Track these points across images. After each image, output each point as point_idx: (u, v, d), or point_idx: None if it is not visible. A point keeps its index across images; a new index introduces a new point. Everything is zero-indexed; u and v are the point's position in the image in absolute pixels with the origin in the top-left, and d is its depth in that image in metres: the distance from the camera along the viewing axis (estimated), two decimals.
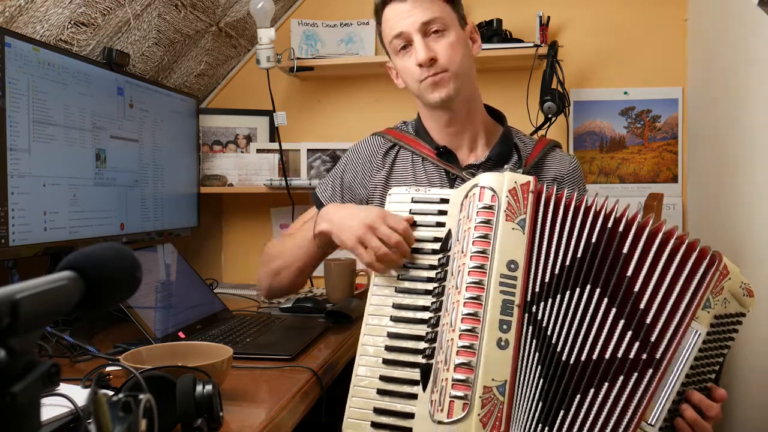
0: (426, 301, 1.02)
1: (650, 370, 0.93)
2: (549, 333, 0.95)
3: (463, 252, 0.99)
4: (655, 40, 2.13)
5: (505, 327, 0.95)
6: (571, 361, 0.94)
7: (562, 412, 0.93)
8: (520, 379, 0.93)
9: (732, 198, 1.69)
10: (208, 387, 0.87)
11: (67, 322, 1.43)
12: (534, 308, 0.96)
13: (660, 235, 0.97)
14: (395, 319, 1.03)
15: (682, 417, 0.94)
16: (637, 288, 0.95)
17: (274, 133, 2.30)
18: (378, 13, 1.29)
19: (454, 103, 1.27)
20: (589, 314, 0.95)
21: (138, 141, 1.85)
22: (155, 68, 1.99)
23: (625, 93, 2.17)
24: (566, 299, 0.96)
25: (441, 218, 1.06)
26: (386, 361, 1.01)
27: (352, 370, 1.04)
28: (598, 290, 0.96)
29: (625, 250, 0.97)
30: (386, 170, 1.34)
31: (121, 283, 0.52)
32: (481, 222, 0.99)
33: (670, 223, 1.01)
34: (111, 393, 0.57)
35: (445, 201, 1.07)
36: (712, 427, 0.96)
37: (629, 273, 0.96)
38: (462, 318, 0.95)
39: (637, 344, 0.94)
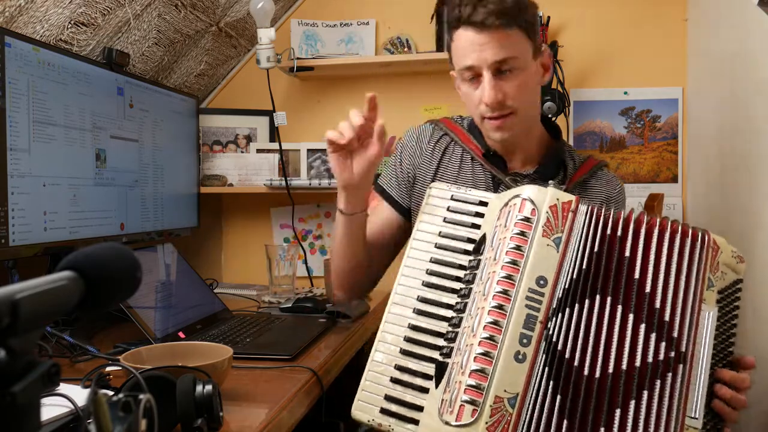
0: (451, 299, 1.02)
1: (681, 366, 0.94)
2: (560, 348, 0.95)
3: (495, 260, 0.99)
4: (655, 40, 2.13)
5: (525, 341, 0.95)
6: (597, 375, 0.93)
7: (602, 429, 0.92)
8: (531, 394, 0.93)
9: (732, 198, 1.69)
10: (208, 387, 0.87)
11: (67, 322, 1.43)
12: (549, 324, 0.96)
13: (656, 230, 0.98)
14: (418, 312, 1.02)
15: (719, 397, 0.96)
16: (648, 288, 0.96)
17: (274, 133, 2.30)
18: (450, 28, 1.21)
19: (512, 138, 1.24)
20: (605, 325, 0.95)
21: (138, 141, 1.85)
22: (155, 68, 1.99)
23: (625, 93, 2.17)
24: (576, 312, 0.96)
25: (477, 220, 1.06)
26: (404, 352, 1.01)
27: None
28: (609, 299, 0.96)
29: (627, 254, 0.98)
30: (435, 161, 1.33)
31: (121, 283, 0.52)
32: (517, 233, 0.99)
33: None
34: (111, 393, 0.57)
35: (483, 204, 1.06)
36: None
37: (637, 275, 0.97)
38: (484, 325, 0.95)
39: (663, 344, 0.94)
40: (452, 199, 1.08)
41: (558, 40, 2.10)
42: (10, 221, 1.34)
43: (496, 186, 1.27)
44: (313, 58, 2.20)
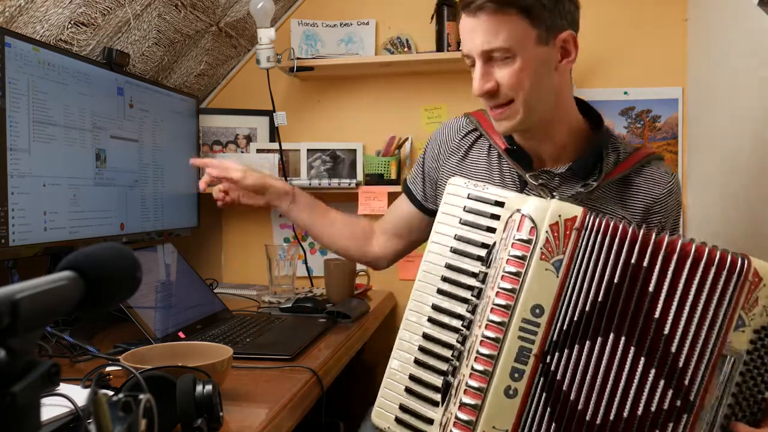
0: (463, 309, 0.98)
1: (685, 415, 0.87)
2: (565, 388, 0.89)
3: (493, 283, 0.93)
4: (655, 40, 2.13)
5: (516, 375, 0.90)
6: (598, 421, 0.88)
7: None
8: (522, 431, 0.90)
9: (732, 198, 1.69)
10: (208, 387, 0.87)
11: (67, 322, 1.43)
12: (549, 359, 0.90)
13: (689, 260, 0.88)
14: (432, 321, 0.99)
15: None
16: (667, 329, 0.88)
17: (274, 133, 2.30)
18: (458, 15, 1.15)
19: (522, 130, 1.15)
20: (615, 367, 0.88)
21: (138, 141, 1.85)
22: (155, 68, 1.99)
23: (625, 93, 2.17)
24: (586, 350, 0.89)
25: (493, 223, 0.98)
26: (417, 362, 0.99)
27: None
28: (623, 339, 0.88)
29: (651, 288, 0.88)
30: (461, 155, 1.26)
31: (121, 283, 0.52)
32: (514, 256, 0.91)
33: None
34: (111, 393, 0.57)
35: (500, 204, 0.98)
36: None
37: (657, 314, 0.88)
38: (476, 357, 0.91)
39: (670, 392, 0.87)
40: (469, 197, 1.01)
41: None
42: (10, 221, 1.34)
43: (523, 185, 1.18)
44: (313, 58, 2.20)
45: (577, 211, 0.92)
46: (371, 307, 1.85)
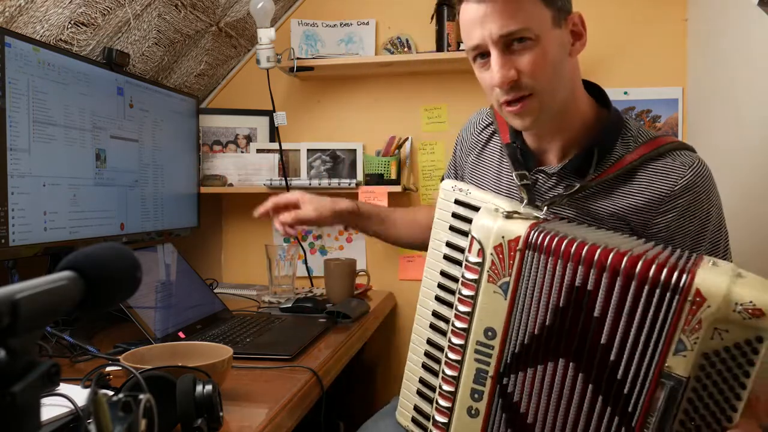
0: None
1: None
2: (522, 410, 0.90)
3: (455, 304, 0.95)
4: (655, 40, 2.13)
5: (476, 396, 0.93)
6: None
7: None
8: None
9: (732, 198, 1.69)
10: (208, 387, 0.87)
11: (67, 322, 1.43)
12: (505, 380, 0.91)
13: (633, 281, 0.82)
14: (432, 327, 1.00)
15: None
16: (613, 355, 0.84)
17: (274, 133, 2.30)
18: (456, 5, 1.05)
19: (540, 127, 1.05)
20: (566, 390, 0.87)
21: (138, 141, 1.85)
22: (155, 68, 1.99)
23: (625, 93, 2.17)
24: (539, 372, 0.89)
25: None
26: (425, 366, 1.02)
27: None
28: (572, 363, 0.86)
29: (597, 314, 0.84)
30: (478, 150, 1.20)
31: (121, 283, 0.52)
32: (467, 279, 0.92)
33: None
34: (111, 393, 0.57)
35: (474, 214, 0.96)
36: None
37: (604, 340, 0.84)
38: (442, 377, 0.96)
39: (616, 420, 0.84)
40: (455, 202, 0.99)
41: None
42: (10, 221, 1.34)
43: (527, 187, 1.08)
44: (313, 58, 2.20)
45: (521, 230, 0.89)
46: (371, 307, 1.85)
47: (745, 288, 0.78)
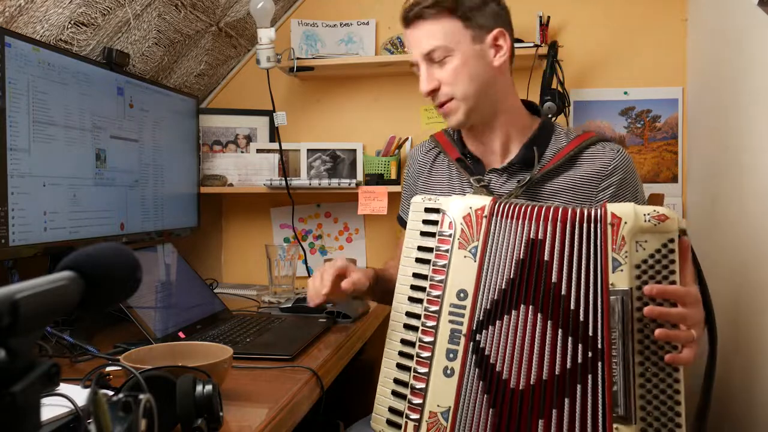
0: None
1: (599, 363, 0.92)
2: (492, 361, 0.97)
3: (429, 275, 1.04)
4: (655, 40, 2.13)
5: (451, 356, 1.00)
6: (521, 387, 0.95)
7: None
8: (464, 407, 0.98)
9: (732, 198, 1.69)
10: (208, 387, 0.87)
11: (67, 322, 1.43)
12: (477, 336, 0.99)
13: (568, 224, 0.97)
14: (406, 326, 1.07)
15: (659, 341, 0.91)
16: (564, 290, 0.95)
17: (274, 133, 2.30)
18: (404, 33, 1.28)
19: (469, 125, 1.24)
20: (527, 335, 0.96)
21: (138, 141, 1.85)
22: (155, 68, 1.99)
23: (625, 93, 2.17)
24: (505, 324, 0.98)
25: (436, 228, 1.09)
26: (399, 366, 1.07)
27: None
28: (531, 307, 0.97)
29: (546, 257, 0.97)
30: (427, 170, 1.35)
31: (121, 283, 0.52)
32: (441, 251, 1.03)
33: None
34: (111, 393, 0.57)
35: (438, 210, 1.09)
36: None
37: (554, 279, 0.96)
38: (419, 345, 1.03)
39: (580, 347, 0.93)
40: (425, 211, 1.10)
41: (558, 40, 2.10)
42: (10, 221, 1.34)
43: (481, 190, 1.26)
44: (313, 58, 2.19)
45: (486, 201, 1.03)
46: (371, 307, 1.85)
47: (646, 206, 0.96)
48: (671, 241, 0.93)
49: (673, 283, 0.92)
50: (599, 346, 0.92)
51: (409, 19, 1.20)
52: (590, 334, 0.93)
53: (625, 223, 0.94)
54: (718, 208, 1.82)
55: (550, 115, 2.00)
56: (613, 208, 0.95)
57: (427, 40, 1.18)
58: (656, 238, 0.93)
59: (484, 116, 1.23)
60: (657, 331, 0.90)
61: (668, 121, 2.15)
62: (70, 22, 1.55)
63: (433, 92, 1.20)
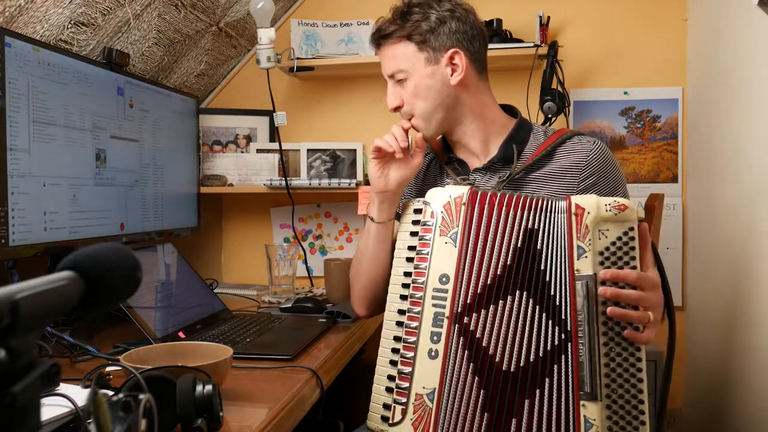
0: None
1: (569, 344, 1.00)
2: (484, 344, 1.02)
3: (415, 263, 1.09)
4: (655, 40, 2.13)
5: (435, 338, 1.04)
6: (512, 369, 1.01)
7: (514, 420, 1.00)
8: (449, 388, 1.02)
9: (732, 198, 1.69)
10: (208, 387, 0.87)
11: (67, 322, 1.43)
12: (466, 319, 1.03)
13: (533, 211, 1.04)
14: (398, 324, 1.10)
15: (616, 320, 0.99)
16: (548, 276, 1.02)
17: (274, 133, 2.30)
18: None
19: (435, 137, 1.32)
20: (520, 319, 1.02)
21: (138, 141, 1.85)
22: (155, 68, 1.99)
23: (625, 93, 2.17)
24: (500, 308, 1.03)
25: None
26: (392, 362, 1.09)
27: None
28: (525, 293, 1.03)
29: (538, 246, 1.03)
30: (422, 178, 1.40)
31: (121, 283, 0.52)
32: (421, 238, 1.09)
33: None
34: (111, 393, 0.57)
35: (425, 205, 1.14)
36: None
37: (543, 266, 1.03)
38: (406, 330, 1.06)
39: (557, 329, 1.01)
40: (414, 211, 1.14)
41: (558, 40, 2.10)
42: (10, 221, 1.34)
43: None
44: (313, 58, 2.19)
45: (464, 189, 1.08)
46: None
47: (607, 198, 1.03)
48: (631, 229, 1.00)
49: (634, 268, 0.99)
50: (569, 328, 1.00)
51: (374, 43, 1.31)
52: (563, 317, 1.00)
53: (588, 213, 1.01)
54: (718, 207, 1.82)
55: (549, 115, 2.00)
56: (577, 199, 1.02)
57: (388, 63, 1.28)
58: (617, 226, 1.00)
59: (452, 127, 1.30)
60: (609, 309, 0.97)
61: (668, 121, 2.15)
62: (70, 22, 1.55)
63: (398, 108, 1.29)
